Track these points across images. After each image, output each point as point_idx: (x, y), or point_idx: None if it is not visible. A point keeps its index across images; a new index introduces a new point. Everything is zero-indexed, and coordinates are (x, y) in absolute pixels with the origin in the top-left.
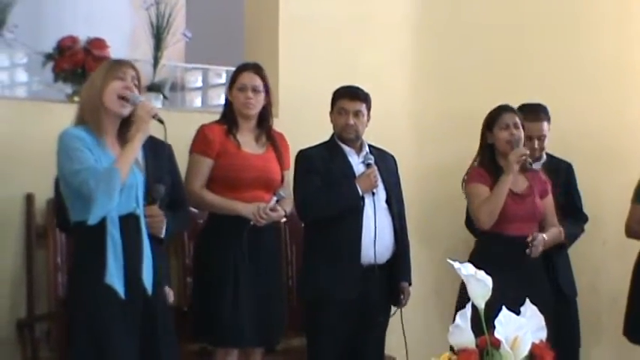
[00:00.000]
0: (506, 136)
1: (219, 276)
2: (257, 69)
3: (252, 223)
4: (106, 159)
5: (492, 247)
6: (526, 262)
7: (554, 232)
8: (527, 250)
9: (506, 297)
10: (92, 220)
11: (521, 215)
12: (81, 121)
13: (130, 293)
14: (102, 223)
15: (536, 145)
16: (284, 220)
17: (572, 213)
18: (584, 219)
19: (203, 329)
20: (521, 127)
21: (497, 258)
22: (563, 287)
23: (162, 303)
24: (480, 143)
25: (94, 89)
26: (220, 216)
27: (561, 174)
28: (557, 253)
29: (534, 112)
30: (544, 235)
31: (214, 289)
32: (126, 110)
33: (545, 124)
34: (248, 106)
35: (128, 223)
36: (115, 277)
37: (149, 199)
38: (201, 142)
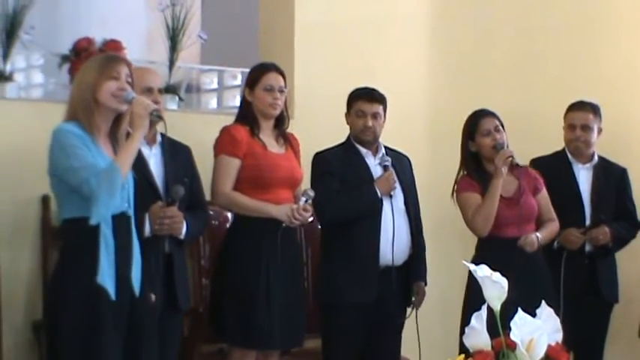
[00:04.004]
0: (490, 142)
1: (252, 279)
2: (279, 69)
3: (284, 225)
4: (101, 157)
5: (492, 252)
6: (528, 265)
7: (550, 227)
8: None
9: (510, 300)
10: (95, 219)
11: (514, 219)
12: (73, 117)
13: (119, 294)
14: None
15: (578, 134)
16: (311, 219)
17: (624, 218)
18: (637, 225)
19: (234, 331)
20: (502, 130)
21: (498, 262)
22: (602, 293)
23: (148, 305)
24: (462, 153)
25: (87, 87)
26: (248, 218)
27: (613, 178)
28: (601, 256)
29: (580, 104)
30: (538, 235)
31: (248, 291)
32: (123, 107)
33: (590, 115)
34: (275, 107)
35: (120, 222)
36: (107, 278)
37: (168, 200)
38: (228, 143)
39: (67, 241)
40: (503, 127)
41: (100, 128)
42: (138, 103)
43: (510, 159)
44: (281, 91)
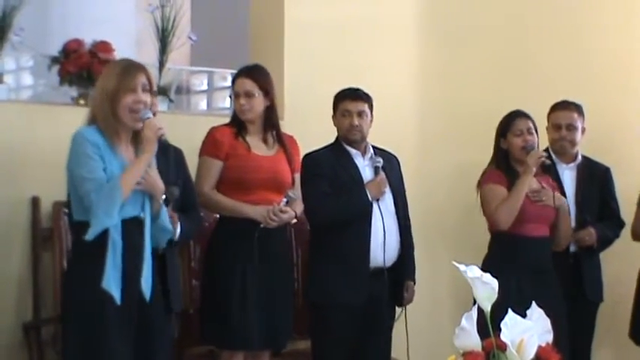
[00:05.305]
0: (520, 142)
1: (229, 278)
2: (249, 72)
3: (262, 225)
4: (117, 163)
5: (507, 248)
6: (540, 262)
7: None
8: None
9: (524, 296)
10: (90, 235)
11: (535, 216)
12: (93, 121)
13: (127, 299)
14: None
15: (563, 133)
16: (294, 221)
17: (608, 218)
18: (620, 224)
19: (212, 332)
20: (534, 133)
21: (513, 258)
22: (587, 292)
23: (160, 309)
24: (494, 149)
25: (106, 97)
26: (231, 218)
27: (597, 177)
28: (586, 257)
29: (564, 103)
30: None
31: (223, 291)
32: (139, 124)
33: (574, 115)
34: (242, 112)
35: (131, 226)
36: (111, 282)
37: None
38: (210, 144)
39: (76, 242)
40: (536, 130)
41: (121, 135)
42: (149, 126)
43: (542, 159)
44: (247, 96)
